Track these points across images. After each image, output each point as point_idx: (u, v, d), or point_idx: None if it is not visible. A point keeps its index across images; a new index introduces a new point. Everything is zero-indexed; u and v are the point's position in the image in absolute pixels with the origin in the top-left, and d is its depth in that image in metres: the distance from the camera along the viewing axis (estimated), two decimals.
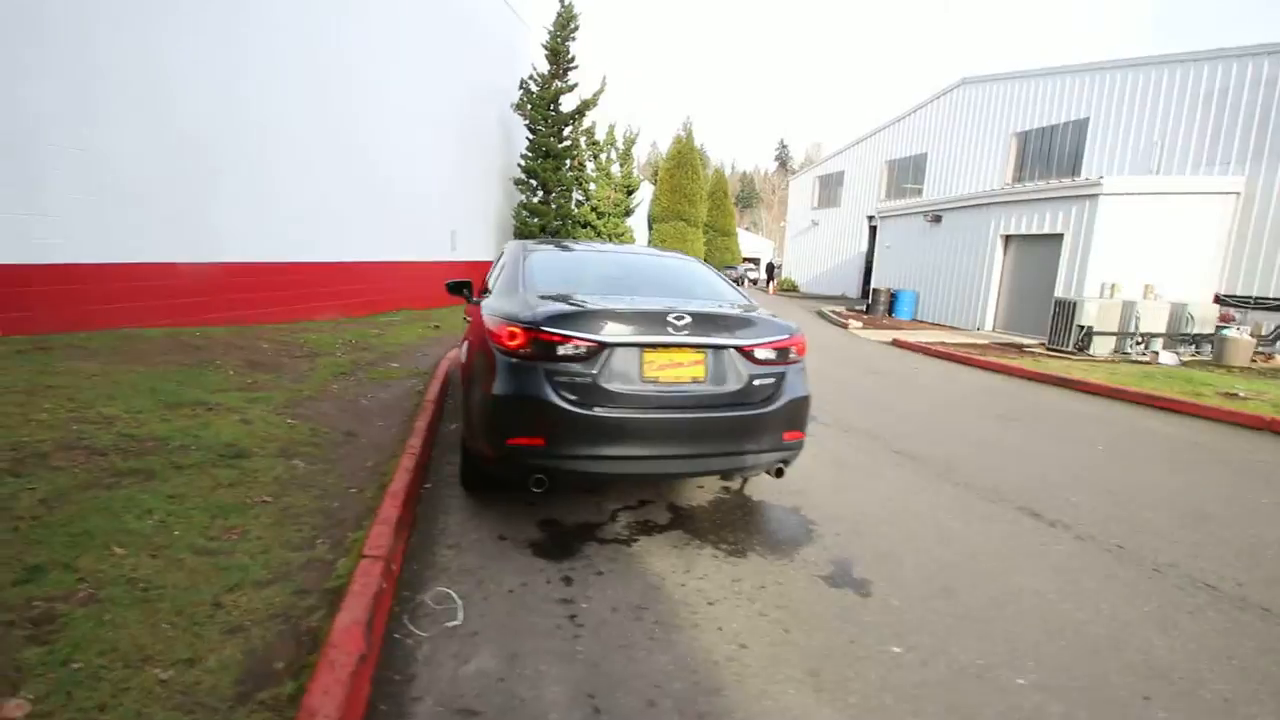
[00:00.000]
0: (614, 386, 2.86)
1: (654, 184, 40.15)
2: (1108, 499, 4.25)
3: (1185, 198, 13.37)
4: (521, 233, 15.78)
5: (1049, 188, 14.34)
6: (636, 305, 3.12)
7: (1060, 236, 13.84)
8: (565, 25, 17.40)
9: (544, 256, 3.99)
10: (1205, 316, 12.00)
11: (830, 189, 29.23)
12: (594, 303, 3.11)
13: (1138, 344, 11.52)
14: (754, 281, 37.57)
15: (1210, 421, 6.91)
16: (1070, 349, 11.67)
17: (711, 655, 2.27)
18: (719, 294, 3.75)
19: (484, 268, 16.49)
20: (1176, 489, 4.56)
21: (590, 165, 20.93)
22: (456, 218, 13.90)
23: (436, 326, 10.94)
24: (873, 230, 26.79)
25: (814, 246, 30.03)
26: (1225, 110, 13.82)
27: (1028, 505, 4.04)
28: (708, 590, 2.75)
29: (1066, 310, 11.90)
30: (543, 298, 3.18)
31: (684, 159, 43.06)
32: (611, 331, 2.87)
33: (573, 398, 2.79)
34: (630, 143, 26.85)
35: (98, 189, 6.63)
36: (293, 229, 9.19)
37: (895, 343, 13.17)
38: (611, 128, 23.08)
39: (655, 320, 2.95)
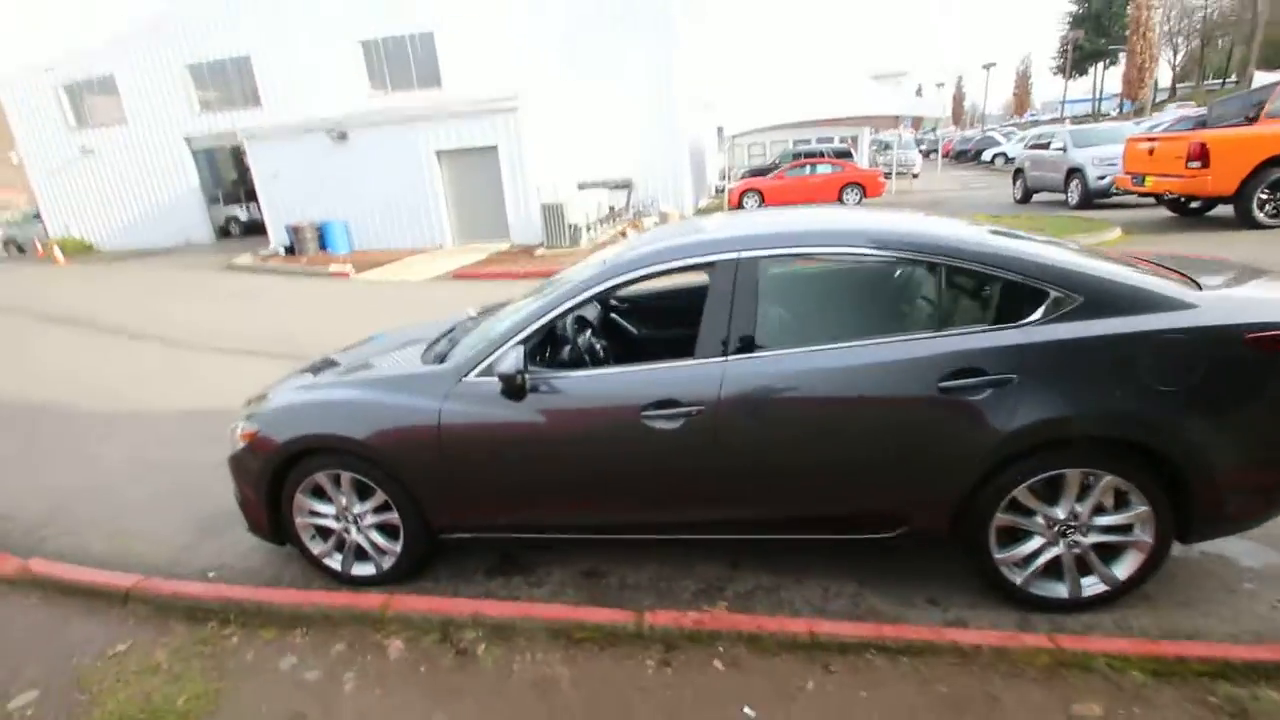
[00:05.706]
0: None
1: None
2: None
3: (559, 109, 16.78)
4: None
5: (472, 101, 15.17)
6: None
7: (495, 148, 15.15)
8: None
9: None
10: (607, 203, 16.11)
11: (96, 100, 20.65)
12: None
13: (592, 231, 14.63)
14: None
15: None
16: (567, 244, 13.74)
17: None
18: None
19: None
20: None
21: None
22: None
23: None
24: (197, 156, 21.04)
25: (100, 186, 21.24)
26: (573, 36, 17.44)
27: None
28: None
29: (556, 212, 13.72)
30: None
31: None
32: None
33: None
34: None
35: None
36: None
37: (456, 276, 11.96)
38: None
39: None
